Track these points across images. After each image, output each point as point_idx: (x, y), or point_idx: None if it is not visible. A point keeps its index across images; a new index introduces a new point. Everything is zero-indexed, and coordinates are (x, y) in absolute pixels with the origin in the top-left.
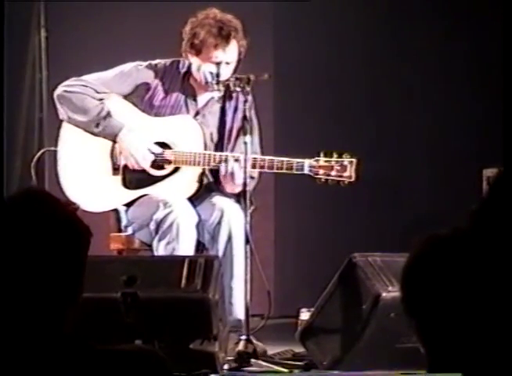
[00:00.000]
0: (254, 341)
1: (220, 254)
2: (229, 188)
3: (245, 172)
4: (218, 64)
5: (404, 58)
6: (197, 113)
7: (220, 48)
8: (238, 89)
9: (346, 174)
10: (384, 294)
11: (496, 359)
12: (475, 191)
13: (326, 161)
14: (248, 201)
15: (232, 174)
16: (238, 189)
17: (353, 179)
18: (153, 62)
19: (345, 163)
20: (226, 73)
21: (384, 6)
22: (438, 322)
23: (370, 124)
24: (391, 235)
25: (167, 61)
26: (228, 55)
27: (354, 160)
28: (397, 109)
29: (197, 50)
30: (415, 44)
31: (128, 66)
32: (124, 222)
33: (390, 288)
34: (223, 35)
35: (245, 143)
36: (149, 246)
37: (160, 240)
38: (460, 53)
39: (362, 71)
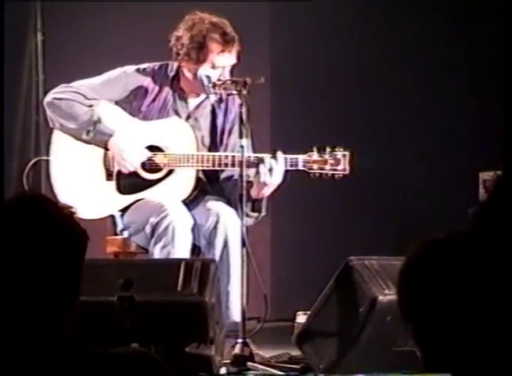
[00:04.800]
0: (253, 347)
1: (216, 259)
2: (258, 191)
3: (241, 176)
4: (223, 68)
5: (401, 60)
6: (189, 117)
7: (226, 52)
8: (234, 92)
9: (340, 167)
10: (380, 298)
11: (493, 362)
12: (471, 194)
13: (319, 156)
14: (264, 208)
15: (271, 170)
16: (269, 191)
17: (347, 172)
18: (142, 66)
19: (339, 156)
20: (227, 75)
21: (381, 8)
22: (434, 325)
23: (367, 128)
24: (387, 238)
25: (156, 65)
26: (232, 58)
27: (347, 153)
28: (393, 113)
29: (202, 59)
30: (413, 45)
31: (116, 72)
32: (119, 227)
33: (386, 291)
34: (228, 40)
35: (241, 147)
36: (146, 249)
37: (155, 243)
38: (459, 54)
39: (359, 73)
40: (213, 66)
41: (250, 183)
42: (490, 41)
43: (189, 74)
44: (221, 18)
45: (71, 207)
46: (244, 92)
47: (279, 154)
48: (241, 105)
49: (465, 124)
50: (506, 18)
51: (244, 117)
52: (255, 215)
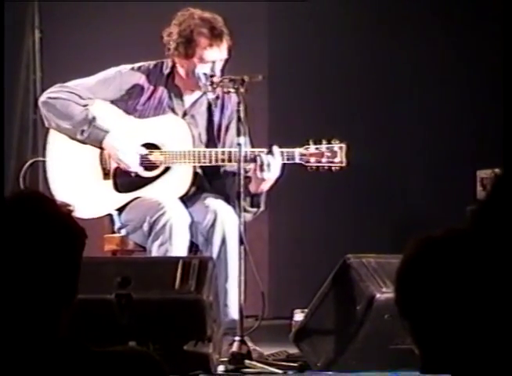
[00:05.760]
0: (251, 344)
1: (214, 256)
2: (256, 186)
3: (239, 174)
4: (213, 63)
5: (399, 56)
6: (185, 114)
7: (214, 46)
8: (232, 90)
9: (337, 159)
10: (378, 296)
11: (490, 360)
12: (469, 192)
13: (316, 149)
14: (262, 203)
15: (268, 165)
16: (267, 186)
17: (344, 164)
18: (136, 65)
19: (335, 149)
20: (218, 70)
21: (378, 7)
22: (432, 323)
23: (365, 126)
24: (385, 236)
25: (151, 63)
26: (223, 52)
27: (343, 145)
28: (391, 111)
29: (191, 54)
30: (411, 42)
31: (111, 71)
32: (117, 225)
33: (384, 289)
34: (216, 34)
35: (239, 144)
36: (143, 247)
37: (153, 241)
38: (458, 52)
39: (356, 71)
40: (202, 61)
41: (248, 178)
42: (490, 39)
43: (183, 72)
44: (213, 14)
45: (69, 205)
46: (242, 89)
47: (275, 148)
48: (239, 103)
49: (463, 122)
50: (506, 17)
51: (242, 115)
52: (254, 210)
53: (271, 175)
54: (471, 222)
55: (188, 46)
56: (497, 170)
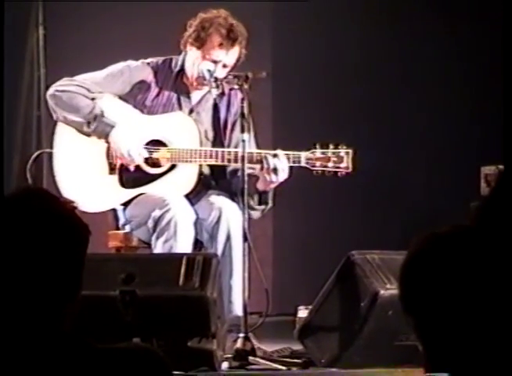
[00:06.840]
0: (255, 343)
1: (219, 253)
2: (265, 186)
3: (243, 170)
4: (215, 63)
5: (403, 56)
6: (191, 111)
7: (224, 49)
8: (236, 87)
9: (343, 165)
10: (382, 292)
11: (494, 357)
12: (473, 189)
13: (322, 153)
14: (270, 200)
15: (276, 170)
16: (273, 185)
17: (350, 170)
18: (145, 60)
19: (342, 154)
20: (221, 74)
21: (381, 6)
22: (436, 319)
23: (368, 123)
24: (389, 233)
25: (160, 59)
26: (230, 57)
27: (350, 150)
28: (395, 108)
29: (201, 43)
30: (414, 41)
31: (119, 66)
32: (121, 221)
33: (388, 286)
34: (230, 37)
35: (243, 141)
36: (148, 244)
37: (157, 237)
38: (460, 50)
39: (360, 70)
40: (208, 57)
41: (255, 177)
42: (491, 37)
43: (190, 62)
44: (240, 23)
45: (73, 201)
46: (246, 86)
47: (281, 153)
48: (243, 99)
49: (467, 118)
50: (506, 16)
51: (246, 111)
52: (261, 207)
53: (280, 178)
54: (475, 218)
55: (200, 36)
56: (501, 166)
